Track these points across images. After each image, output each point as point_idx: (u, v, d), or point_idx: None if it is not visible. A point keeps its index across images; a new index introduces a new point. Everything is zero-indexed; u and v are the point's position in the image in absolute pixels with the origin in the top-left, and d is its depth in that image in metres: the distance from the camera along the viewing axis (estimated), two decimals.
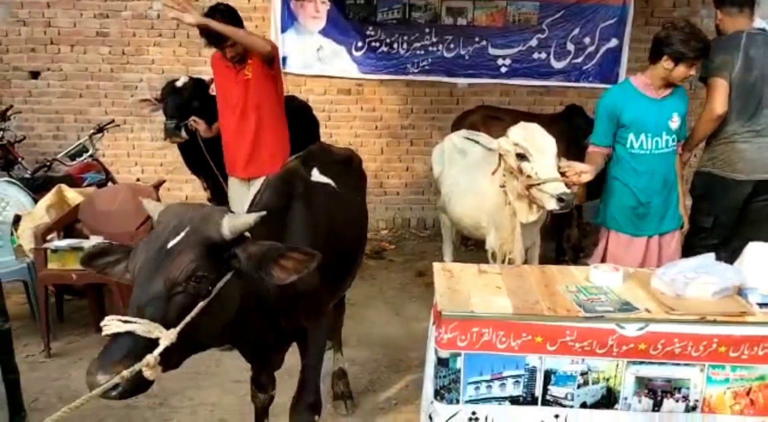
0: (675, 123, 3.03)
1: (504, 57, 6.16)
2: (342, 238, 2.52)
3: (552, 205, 2.82)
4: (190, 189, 5.97)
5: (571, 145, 3.86)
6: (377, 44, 6.12)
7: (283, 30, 5.97)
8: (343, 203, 2.67)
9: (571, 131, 4.52)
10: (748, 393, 2.11)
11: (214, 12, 3.46)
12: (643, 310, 2.11)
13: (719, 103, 3.19)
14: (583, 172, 2.95)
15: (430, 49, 6.13)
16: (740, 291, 2.20)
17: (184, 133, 4.04)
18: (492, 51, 6.14)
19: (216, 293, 1.66)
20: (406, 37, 6.09)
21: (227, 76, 3.65)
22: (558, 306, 2.15)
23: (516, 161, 2.95)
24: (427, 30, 6.10)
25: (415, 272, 5.08)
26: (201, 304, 1.62)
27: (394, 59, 6.15)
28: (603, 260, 3.10)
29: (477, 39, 6.12)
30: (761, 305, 2.11)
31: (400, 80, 6.20)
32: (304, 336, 2.33)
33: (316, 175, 2.60)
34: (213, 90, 4.01)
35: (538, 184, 2.86)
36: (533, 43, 6.09)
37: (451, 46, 6.13)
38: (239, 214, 1.79)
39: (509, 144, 3.00)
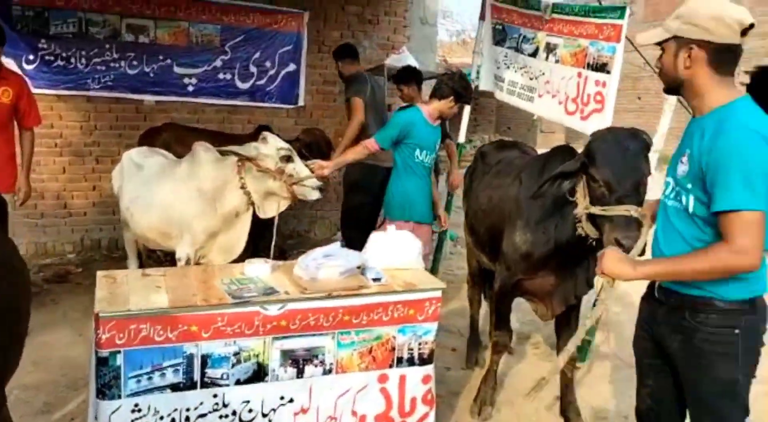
0: (438, 145, 4.06)
1: (190, 76, 6.32)
2: None
3: (316, 195, 3.43)
4: None
5: None
6: (51, 58, 5.82)
7: None
8: None
9: None
10: (370, 352, 2.61)
11: None
12: (282, 293, 2.48)
13: (361, 115, 4.58)
14: (324, 166, 3.64)
15: (112, 65, 6.01)
16: (363, 271, 2.71)
17: None
18: (177, 69, 6.25)
19: None
20: (84, 52, 5.89)
21: None
22: (211, 297, 2.41)
23: (279, 164, 3.35)
24: (107, 46, 5.98)
25: None
26: None
27: (72, 74, 5.90)
28: None
29: (161, 57, 6.18)
30: (375, 280, 2.64)
31: (80, 96, 5.97)
32: None
33: None
34: None
35: (300, 181, 3.36)
36: (218, 63, 6.36)
37: (134, 62, 6.09)
38: None
39: (272, 149, 3.37)
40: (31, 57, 5.76)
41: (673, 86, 2.04)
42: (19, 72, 4.89)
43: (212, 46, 6.32)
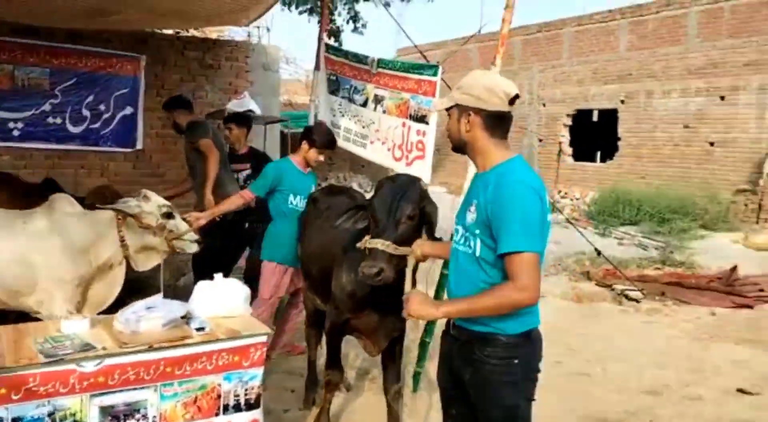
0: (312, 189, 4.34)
1: (16, 120, 6.00)
2: None
3: (194, 248, 3.71)
4: None
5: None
6: None
7: None
8: None
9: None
10: (195, 401, 2.63)
11: None
12: (100, 348, 2.45)
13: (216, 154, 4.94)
14: (199, 217, 4.07)
15: None
16: (188, 321, 2.74)
17: None
18: (1, 114, 5.92)
19: None
20: None
21: None
22: (21, 357, 2.34)
23: (160, 220, 3.54)
24: None
25: None
26: None
27: None
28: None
29: None
30: (198, 329, 2.68)
31: None
32: None
33: None
34: None
35: (180, 236, 3.61)
36: (47, 107, 6.12)
37: None
38: None
39: (153, 206, 3.54)
40: None
41: (458, 146, 2.32)
42: None
43: (40, 90, 6.07)
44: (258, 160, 5.33)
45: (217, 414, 2.69)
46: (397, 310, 3.19)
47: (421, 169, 4.28)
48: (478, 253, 2.19)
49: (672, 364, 4.94)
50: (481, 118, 2.20)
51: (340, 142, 5.37)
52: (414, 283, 2.68)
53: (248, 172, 5.32)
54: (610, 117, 15.40)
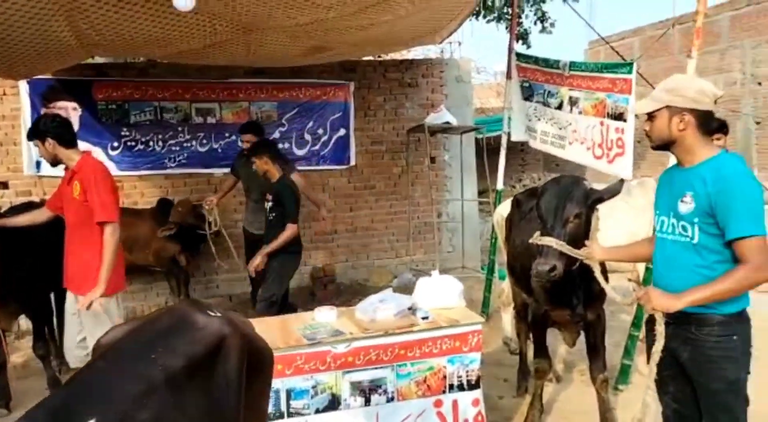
0: None
1: None
2: None
3: None
4: None
5: None
6: (133, 143, 6.66)
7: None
8: None
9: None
10: (425, 381, 3.07)
11: None
12: (348, 333, 2.99)
13: None
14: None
15: (185, 145, 6.82)
16: (414, 312, 3.19)
17: None
18: (241, 144, 6.99)
19: None
20: (160, 136, 6.71)
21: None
22: (290, 340, 2.94)
23: None
24: (179, 128, 6.80)
25: None
26: None
27: (152, 156, 6.72)
28: None
29: (227, 134, 6.95)
30: (423, 318, 3.11)
31: (158, 175, 6.76)
32: None
33: None
34: None
35: None
36: (276, 135, 7.08)
37: (204, 141, 6.89)
38: None
39: None
40: (116, 144, 6.61)
41: (663, 144, 2.49)
42: (102, 162, 4.16)
43: (271, 120, 7.06)
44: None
45: (443, 392, 3.11)
46: (586, 303, 3.38)
47: (623, 166, 4.38)
48: (696, 240, 2.35)
49: None
50: (695, 117, 2.38)
51: (538, 144, 5.59)
52: (606, 279, 2.90)
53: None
54: None
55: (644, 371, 4.27)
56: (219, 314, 1.63)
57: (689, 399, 2.52)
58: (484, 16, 9.50)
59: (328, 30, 4.74)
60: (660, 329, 2.43)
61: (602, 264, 3.04)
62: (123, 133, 6.63)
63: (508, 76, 5.81)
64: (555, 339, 4.27)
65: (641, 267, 4.36)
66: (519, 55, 5.82)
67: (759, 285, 2.26)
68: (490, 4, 9.28)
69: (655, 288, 2.48)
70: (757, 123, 15.65)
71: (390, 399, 3.02)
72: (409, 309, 3.18)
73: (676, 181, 2.49)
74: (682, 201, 2.40)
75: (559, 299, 3.43)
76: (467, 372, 3.12)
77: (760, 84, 15.55)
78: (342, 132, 7.32)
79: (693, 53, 3.83)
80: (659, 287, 2.45)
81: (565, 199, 2.97)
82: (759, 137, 15.65)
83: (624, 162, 4.42)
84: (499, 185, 5.90)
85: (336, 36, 5.01)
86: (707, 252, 2.33)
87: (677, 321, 2.42)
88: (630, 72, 4.25)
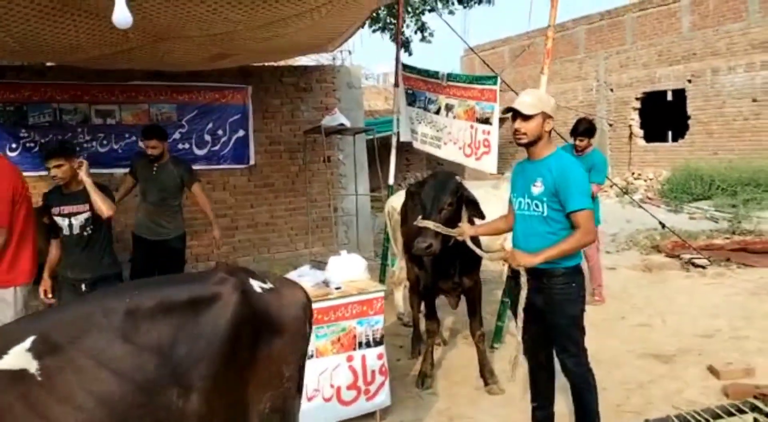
0: None
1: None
2: None
3: None
4: None
5: None
6: (32, 145, 6.77)
7: None
8: None
9: None
10: (338, 340, 3.69)
11: None
12: None
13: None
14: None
15: (85, 146, 6.99)
16: (327, 284, 3.80)
17: None
18: (141, 144, 7.24)
19: None
20: (60, 137, 6.82)
21: None
22: None
23: None
24: (79, 130, 6.98)
25: None
26: None
27: None
28: None
29: (127, 135, 7.19)
30: (336, 288, 3.73)
31: None
32: None
33: None
34: None
35: None
36: (177, 135, 7.40)
37: (104, 142, 7.10)
38: None
39: None
40: (14, 145, 6.68)
41: (534, 141, 3.23)
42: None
43: (171, 122, 7.36)
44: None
45: (354, 349, 3.74)
46: (464, 273, 4.16)
47: (489, 162, 5.21)
48: (545, 214, 3.14)
49: (726, 315, 5.62)
50: (551, 121, 3.17)
51: (418, 145, 6.37)
52: (480, 248, 3.74)
53: None
54: (678, 97, 15.68)
55: (514, 333, 5.17)
56: (258, 281, 2.09)
57: (542, 334, 3.32)
58: (370, 26, 10.26)
59: (235, 40, 5.23)
60: (523, 280, 3.19)
61: (476, 241, 3.82)
62: (21, 135, 6.73)
63: (396, 84, 6.55)
64: (442, 311, 5.02)
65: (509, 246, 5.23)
66: (405, 66, 6.57)
67: (587, 246, 3.10)
68: (375, 15, 10.04)
69: (516, 250, 3.26)
70: (610, 125, 17.64)
71: (309, 357, 3.59)
72: (324, 281, 3.78)
73: (528, 170, 3.27)
74: (534, 185, 3.19)
75: (443, 271, 4.18)
76: (373, 331, 3.77)
77: (612, 90, 17.53)
78: (241, 133, 7.77)
79: (544, 70, 4.71)
80: (520, 249, 3.23)
81: (440, 191, 3.79)
82: (612, 137, 17.64)
83: (490, 159, 5.26)
84: (391, 180, 6.62)
85: (240, 44, 5.49)
86: (553, 222, 3.13)
87: (533, 274, 3.20)
88: (495, 83, 5.10)
